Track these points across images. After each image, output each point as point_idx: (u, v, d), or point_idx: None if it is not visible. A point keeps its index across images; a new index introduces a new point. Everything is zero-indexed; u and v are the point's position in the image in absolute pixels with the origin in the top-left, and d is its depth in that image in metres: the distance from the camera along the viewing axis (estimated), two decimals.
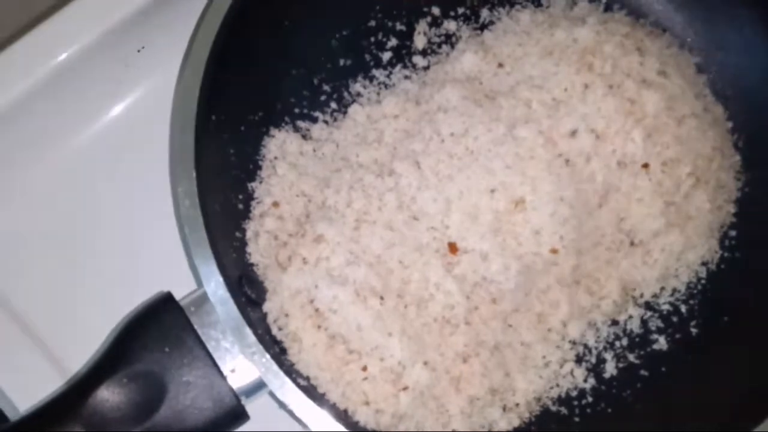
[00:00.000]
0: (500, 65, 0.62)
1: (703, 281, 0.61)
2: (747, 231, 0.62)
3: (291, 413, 0.49)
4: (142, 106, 0.66)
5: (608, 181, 0.57)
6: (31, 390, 0.55)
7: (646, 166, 0.58)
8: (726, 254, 0.61)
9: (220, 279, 0.50)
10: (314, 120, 0.63)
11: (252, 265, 0.56)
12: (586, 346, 0.59)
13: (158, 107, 0.64)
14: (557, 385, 0.58)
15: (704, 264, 0.61)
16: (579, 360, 0.59)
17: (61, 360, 0.59)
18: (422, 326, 0.54)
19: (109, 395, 0.47)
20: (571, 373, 0.58)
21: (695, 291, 0.61)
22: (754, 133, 0.63)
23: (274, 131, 0.61)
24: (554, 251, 0.56)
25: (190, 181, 0.51)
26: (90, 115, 0.65)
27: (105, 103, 0.66)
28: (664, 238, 0.59)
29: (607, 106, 0.57)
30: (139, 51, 0.66)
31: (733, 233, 0.62)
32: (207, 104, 0.54)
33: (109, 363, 0.49)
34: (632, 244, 0.59)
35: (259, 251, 0.56)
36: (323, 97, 0.63)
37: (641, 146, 0.57)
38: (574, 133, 0.57)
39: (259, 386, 0.50)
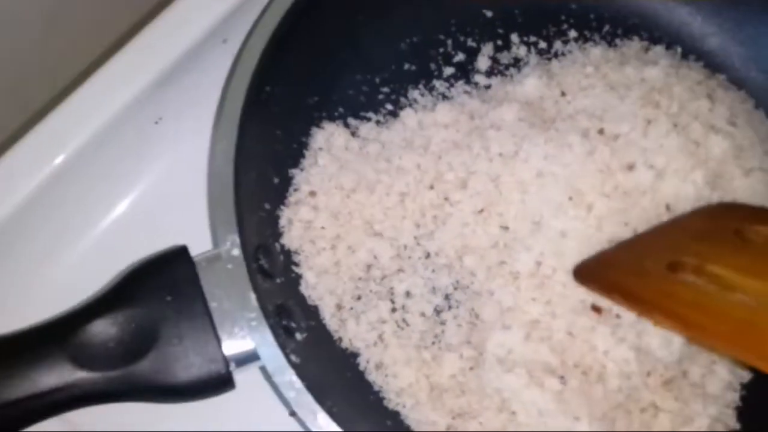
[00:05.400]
0: (563, 93, 0.60)
1: None
2: None
3: (278, 392, 0.47)
4: (165, 182, 0.62)
5: None
6: None
7: None
8: None
9: (237, 240, 0.49)
10: (366, 119, 0.62)
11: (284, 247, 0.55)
12: None
13: (181, 180, 0.61)
14: None
15: None
16: None
17: None
18: None
19: (100, 330, 0.46)
20: None
21: None
22: None
23: (324, 122, 0.60)
24: None
25: (229, 141, 0.51)
26: (99, 212, 0.62)
27: (114, 196, 0.62)
28: None
29: (670, 143, 0.54)
30: (156, 123, 0.62)
31: None
32: (264, 72, 0.54)
33: (107, 299, 0.48)
34: None
35: (291, 239, 0.56)
36: (380, 97, 0.63)
37: (702, 189, 0.53)
38: (632, 167, 0.54)
39: (251, 357, 0.48)
